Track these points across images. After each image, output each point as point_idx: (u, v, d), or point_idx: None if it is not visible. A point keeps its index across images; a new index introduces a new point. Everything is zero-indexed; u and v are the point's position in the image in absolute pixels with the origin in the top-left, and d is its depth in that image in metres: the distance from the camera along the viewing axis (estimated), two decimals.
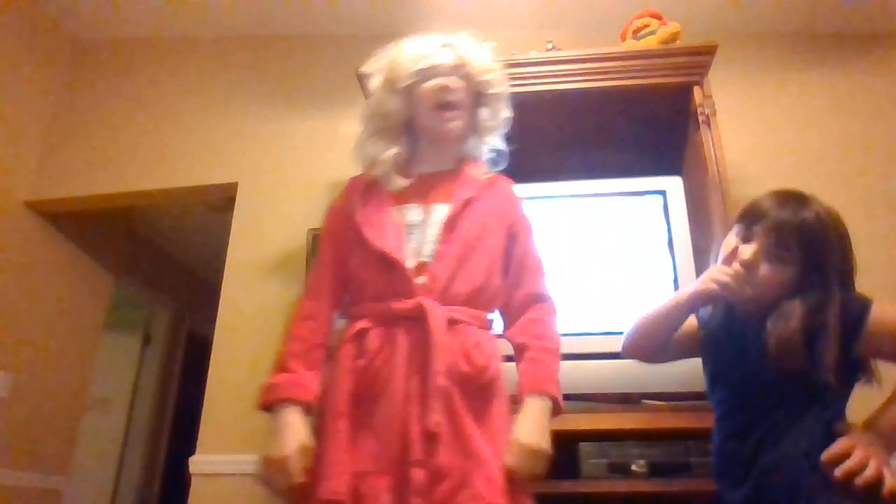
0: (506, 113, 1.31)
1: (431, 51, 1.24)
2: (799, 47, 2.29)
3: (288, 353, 1.13)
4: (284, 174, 2.31)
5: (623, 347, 1.26)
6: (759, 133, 2.12)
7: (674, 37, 1.76)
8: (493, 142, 1.31)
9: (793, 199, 1.07)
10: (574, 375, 1.48)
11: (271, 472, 1.01)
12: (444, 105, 1.21)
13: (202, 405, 2.02)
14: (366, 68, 1.31)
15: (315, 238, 2.15)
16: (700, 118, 1.61)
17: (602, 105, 1.76)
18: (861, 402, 1.05)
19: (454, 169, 1.26)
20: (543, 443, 1.04)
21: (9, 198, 2.41)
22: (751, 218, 1.09)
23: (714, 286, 1.07)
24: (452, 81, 1.22)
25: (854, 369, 1.01)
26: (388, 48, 1.29)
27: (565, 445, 1.40)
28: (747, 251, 1.06)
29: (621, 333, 1.31)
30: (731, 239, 1.12)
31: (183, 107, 2.53)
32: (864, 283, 1.10)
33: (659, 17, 1.81)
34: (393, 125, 1.26)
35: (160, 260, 3.75)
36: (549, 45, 1.90)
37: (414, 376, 1.02)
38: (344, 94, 2.25)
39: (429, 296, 1.08)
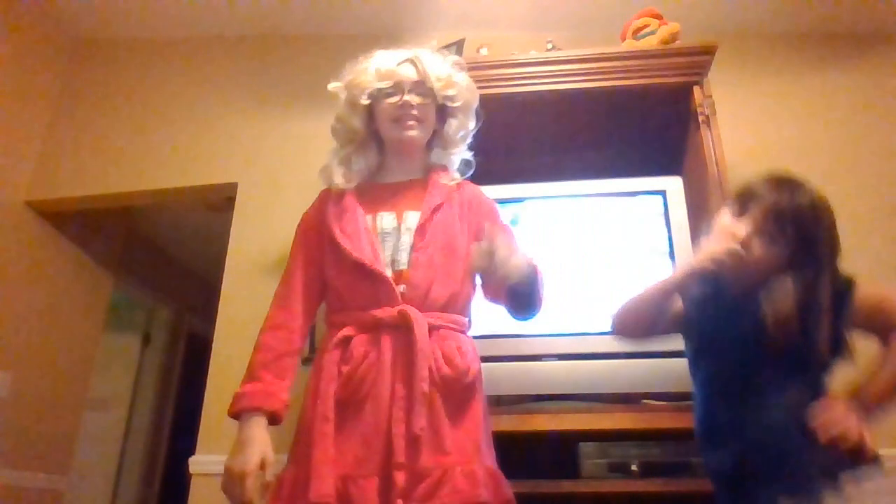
0: (472, 124, 1.34)
1: (393, 67, 1.26)
2: (799, 47, 2.29)
3: (257, 363, 1.16)
4: (284, 174, 2.31)
5: (613, 325, 1.26)
6: (759, 133, 2.12)
7: (674, 37, 1.76)
8: (460, 151, 1.34)
9: (788, 182, 1.12)
10: (574, 375, 1.48)
11: (230, 483, 1.04)
12: (403, 119, 1.25)
13: (202, 405, 2.02)
14: (331, 86, 1.35)
15: None
16: (700, 118, 1.61)
17: (602, 105, 1.76)
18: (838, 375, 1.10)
19: (423, 177, 1.29)
20: (517, 252, 1.04)
21: (9, 198, 2.41)
22: (746, 198, 1.13)
23: (710, 263, 1.10)
24: (413, 97, 1.24)
25: (839, 344, 1.06)
26: (355, 64, 1.33)
27: (565, 445, 1.41)
28: (742, 230, 1.10)
29: None
30: (726, 218, 1.15)
31: (183, 107, 2.53)
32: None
33: (659, 17, 1.81)
34: (358, 140, 1.30)
35: (160, 260, 3.75)
36: (549, 45, 1.90)
37: (398, 382, 1.06)
38: None
39: (409, 303, 1.12)
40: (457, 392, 1.10)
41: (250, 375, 1.15)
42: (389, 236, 1.19)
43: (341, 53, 2.54)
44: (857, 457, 0.95)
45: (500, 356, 1.48)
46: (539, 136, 1.90)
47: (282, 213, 2.24)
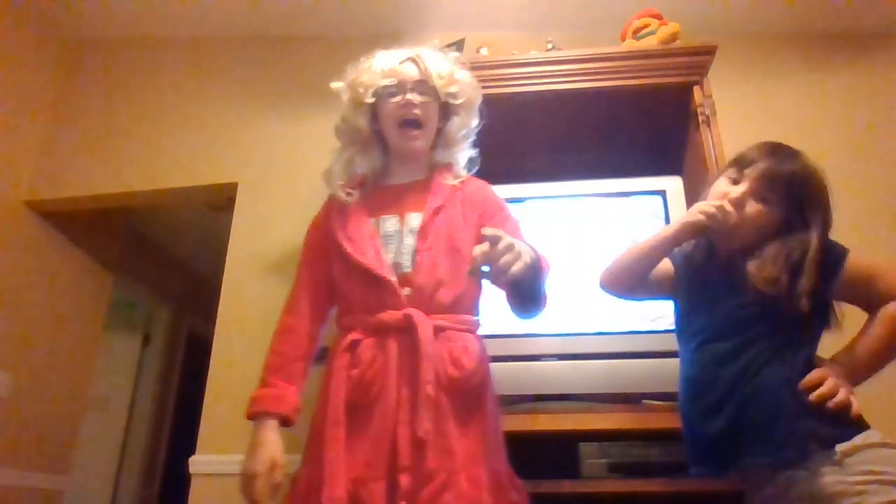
0: (474, 121, 1.34)
1: (395, 66, 1.26)
2: (799, 47, 2.29)
3: (268, 368, 1.19)
4: (284, 174, 2.31)
5: (601, 280, 1.27)
6: (759, 133, 2.09)
7: (674, 37, 1.76)
8: (463, 149, 1.34)
9: (784, 149, 1.16)
10: (574, 375, 1.48)
11: (244, 485, 1.09)
12: (407, 122, 1.25)
13: (202, 405, 2.02)
14: (333, 85, 1.36)
15: None
16: (700, 118, 1.61)
17: (602, 105, 1.76)
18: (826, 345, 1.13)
19: (426, 178, 1.29)
20: (520, 246, 0.98)
21: (9, 198, 2.41)
22: (742, 163, 1.16)
23: (702, 217, 1.11)
24: (415, 96, 1.24)
25: (827, 312, 1.09)
26: (357, 63, 1.33)
27: (565, 445, 1.41)
28: (736, 190, 1.13)
29: (621, 333, 1.32)
30: (722, 181, 1.18)
31: (183, 107, 2.53)
32: None
33: (659, 17, 1.81)
34: (362, 140, 1.31)
35: (160, 260, 3.75)
36: (549, 45, 1.90)
37: (404, 385, 1.07)
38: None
39: (415, 306, 1.12)
40: (464, 394, 1.09)
41: (262, 380, 1.19)
42: (392, 239, 1.20)
43: (341, 53, 2.54)
44: (842, 416, 0.97)
45: (499, 356, 1.48)
46: (539, 136, 1.89)
47: (282, 213, 2.24)
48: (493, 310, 1.30)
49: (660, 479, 1.33)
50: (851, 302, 1.10)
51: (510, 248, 0.95)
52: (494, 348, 1.47)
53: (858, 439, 0.96)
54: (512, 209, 1.50)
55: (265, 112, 2.44)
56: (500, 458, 1.11)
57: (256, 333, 2.08)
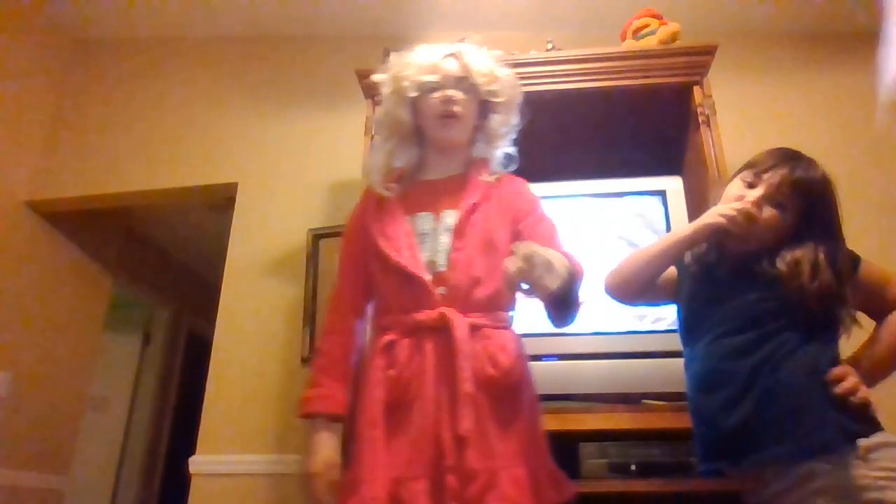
0: (514, 119, 1.33)
1: (437, 61, 1.26)
2: (799, 47, 2.29)
3: (317, 368, 1.21)
4: (284, 174, 2.31)
5: (607, 286, 1.26)
6: (759, 133, 2.11)
7: (674, 37, 1.76)
8: (502, 146, 1.33)
9: (801, 157, 1.19)
10: (574, 375, 1.48)
11: (307, 484, 1.12)
12: (446, 115, 1.24)
13: (202, 405, 2.02)
14: (376, 76, 1.35)
15: (315, 238, 2.15)
16: (700, 118, 1.61)
17: (602, 105, 1.76)
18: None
19: (463, 173, 1.28)
20: (555, 260, 0.98)
21: (9, 198, 2.41)
22: (759, 168, 1.17)
23: (722, 219, 1.13)
24: (456, 93, 1.24)
25: (842, 311, 1.10)
26: (397, 55, 1.32)
27: (565, 445, 1.40)
28: (753, 194, 1.15)
29: (621, 334, 1.31)
30: (736, 184, 1.19)
31: (183, 107, 2.53)
32: None
33: (659, 17, 1.81)
34: (403, 133, 1.31)
35: (160, 260, 3.75)
36: (549, 45, 1.90)
37: (442, 384, 1.07)
38: (344, 95, 2.25)
39: (450, 305, 1.12)
40: (503, 392, 1.09)
41: (312, 381, 1.20)
42: (427, 237, 1.19)
43: (342, 54, 2.56)
44: (864, 416, 0.99)
45: None
46: (539, 136, 1.88)
47: (282, 213, 2.24)
48: None
49: (660, 479, 1.33)
50: (860, 308, 1.12)
51: (546, 265, 0.95)
52: None
53: (878, 437, 0.97)
54: None
55: (265, 112, 2.44)
56: (540, 456, 1.10)
57: (256, 333, 2.09)
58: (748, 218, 1.11)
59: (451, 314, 1.10)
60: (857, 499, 0.93)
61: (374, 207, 1.26)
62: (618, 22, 1.89)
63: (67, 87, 2.66)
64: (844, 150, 2.10)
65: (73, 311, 2.68)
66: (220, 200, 2.43)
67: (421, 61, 1.27)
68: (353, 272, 1.27)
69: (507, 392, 1.10)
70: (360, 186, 1.65)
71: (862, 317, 1.12)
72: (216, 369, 2.07)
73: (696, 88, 1.65)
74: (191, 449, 1.97)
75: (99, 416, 3.31)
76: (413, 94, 1.25)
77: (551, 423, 1.39)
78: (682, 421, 1.34)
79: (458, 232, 1.17)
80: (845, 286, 1.07)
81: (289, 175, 2.30)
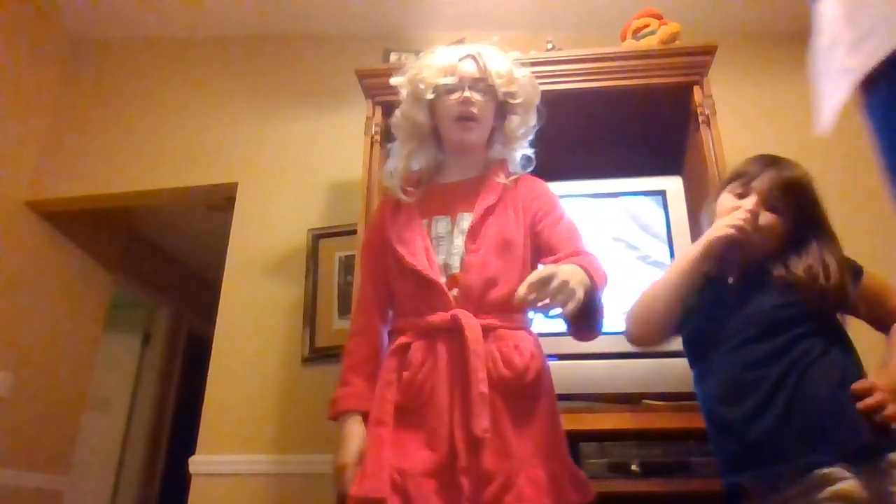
0: (532, 121, 1.33)
1: (454, 63, 1.26)
2: (799, 47, 2.27)
3: (345, 368, 1.22)
4: (284, 174, 2.31)
5: (631, 336, 1.22)
6: (759, 133, 2.12)
7: (674, 37, 1.76)
8: (520, 148, 1.33)
9: (781, 159, 1.21)
10: (574, 375, 1.48)
11: (335, 475, 1.11)
12: (463, 117, 1.24)
13: (202, 405, 2.02)
14: (394, 80, 1.34)
15: (315, 238, 2.15)
16: (700, 118, 1.61)
17: (602, 105, 1.76)
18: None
19: (480, 175, 1.28)
20: (572, 279, 0.98)
21: (9, 198, 2.41)
22: (746, 177, 1.18)
23: (731, 230, 1.13)
24: (474, 94, 1.24)
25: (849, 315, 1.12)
26: (417, 57, 1.33)
27: None
28: (749, 203, 1.15)
29: (621, 333, 1.31)
30: (727, 198, 1.20)
31: (183, 107, 2.53)
32: None
33: (659, 17, 1.81)
34: (421, 135, 1.31)
35: (160, 260, 3.75)
36: (549, 45, 1.90)
37: (456, 386, 1.07)
38: (344, 94, 2.25)
39: (464, 307, 1.12)
40: (518, 393, 1.09)
41: (341, 380, 1.21)
42: (443, 241, 1.20)
43: (342, 53, 2.56)
44: (885, 431, 0.97)
45: None
46: (538, 136, 1.89)
47: (282, 213, 2.24)
48: None
49: (660, 479, 1.33)
50: (863, 317, 1.12)
51: (562, 287, 0.95)
52: None
53: None
54: None
55: (265, 112, 2.44)
56: (559, 457, 1.09)
57: (256, 333, 2.09)
58: (754, 223, 1.12)
59: (464, 316, 1.10)
60: None
61: (391, 212, 1.27)
62: (618, 22, 1.89)
63: (67, 87, 2.66)
64: (844, 149, 2.10)
65: (73, 311, 2.68)
66: (220, 200, 2.43)
67: (438, 63, 1.26)
68: (374, 276, 1.28)
69: (523, 392, 1.10)
70: (361, 186, 1.66)
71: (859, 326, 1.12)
72: (216, 369, 2.07)
73: (696, 88, 1.65)
74: (191, 449, 1.97)
75: (99, 416, 3.32)
76: (430, 96, 1.25)
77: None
78: (682, 421, 1.34)
79: (473, 234, 1.18)
80: (851, 286, 1.08)
81: (289, 175, 2.30)
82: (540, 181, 1.33)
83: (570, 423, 1.37)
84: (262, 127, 2.41)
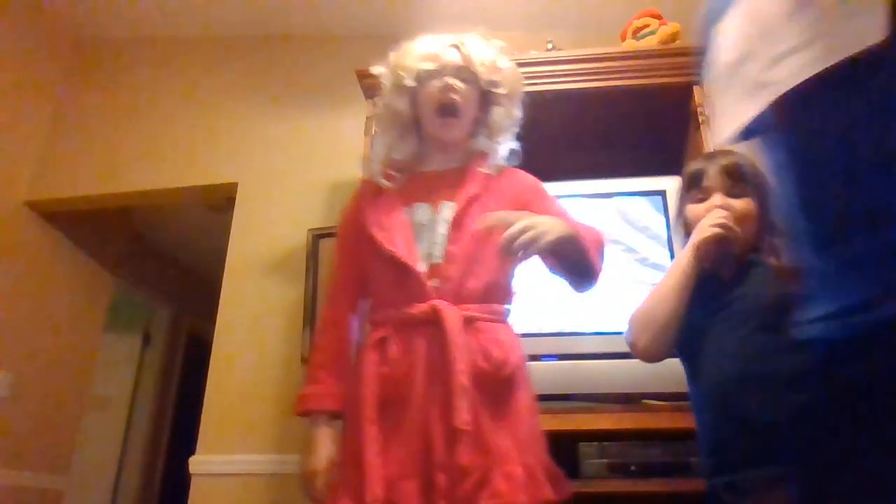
0: (517, 112, 1.30)
1: (437, 50, 1.24)
2: None
3: (314, 364, 1.19)
4: (284, 174, 2.31)
5: (637, 351, 1.19)
6: None
7: (674, 37, 1.76)
8: (504, 139, 1.29)
9: (715, 152, 1.23)
10: (574, 375, 1.48)
11: (305, 482, 1.09)
12: (445, 110, 1.21)
13: (202, 405, 2.02)
14: (375, 68, 1.32)
15: (315, 238, 2.15)
16: (700, 118, 1.61)
17: (602, 105, 1.76)
18: None
19: (462, 165, 1.25)
20: (545, 222, 1.03)
21: (9, 198, 2.41)
22: (697, 179, 1.19)
23: (717, 229, 1.13)
24: (456, 82, 1.21)
25: None
26: (398, 47, 1.29)
27: (565, 445, 1.41)
28: (717, 198, 1.16)
29: (621, 333, 1.31)
30: (693, 207, 1.20)
31: (183, 107, 2.53)
32: None
33: (659, 17, 1.81)
34: (402, 124, 1.28)
35: (160, 260, 3.75)
36: (549, 45, 1.90)
37: (434, 379, 1.04)
38: (344, 94, 2.25)
39: (443, 297, 1.09)
40: (496, 386, 1.06)
41: (311, 377, 1.19)
42: (425, 229, 1.17)
43: (342, 53, 2.56)
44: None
45: None
46: (538, 136, 1.89)
47: (282, 213, 2.24)
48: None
49: (660, 479, 1.34)
50: None
51: (527, 227, 0.98)
52: None
53: None
54: None
55: (265, 112, 2.44)
56: (536, 452, 1.07)
57: (256, 333, 2.09)
58: (733, 215, 1.13)
59: (443, 306, 1.07)
60: None
61: (370, 198, 1.23)
62: (618, 22, 1.89)
63: (68, 86, 2.66)
64: None
65: (73, 311, 2.69)
66: (220, 200, 2.43)
67: (420, 50, 1.24)
68: (349, 266, 1.24)
69: (500, 387, 1.07)
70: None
71: None
72: (216, 369, 2.07)
73: (696, 88, 1.65)
74: (191, 449, 1.97)
75: (99, 416, 3.31)
76: (411, 83, 1.22)
77: (551, 423, 1.39)
78: (682, 421, 1.34)
79: (456, 224, 1.15)
80: None
81: (289, 175, 2.30)
82: (527, 174, 1.29)
83: (569, 423, 1.38)
84: (262, 127, 2.41)
